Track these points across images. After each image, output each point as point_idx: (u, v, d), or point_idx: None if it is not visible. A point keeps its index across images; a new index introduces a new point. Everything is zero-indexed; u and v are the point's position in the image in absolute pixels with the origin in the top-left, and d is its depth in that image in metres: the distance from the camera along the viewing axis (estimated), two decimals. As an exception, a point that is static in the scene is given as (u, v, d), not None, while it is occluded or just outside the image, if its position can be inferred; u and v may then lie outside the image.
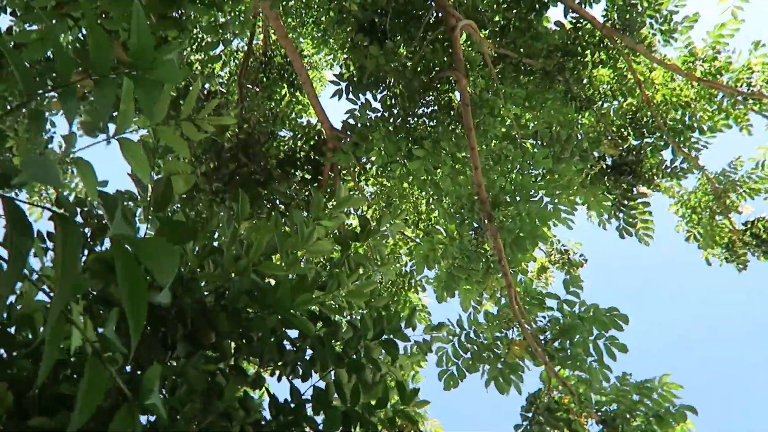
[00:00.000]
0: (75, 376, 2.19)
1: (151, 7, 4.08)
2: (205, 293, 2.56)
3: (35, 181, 1.32)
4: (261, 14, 8.72)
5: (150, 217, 2.50)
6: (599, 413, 6.91)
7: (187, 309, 1.97)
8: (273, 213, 7.05)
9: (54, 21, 3.84)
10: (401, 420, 2.35)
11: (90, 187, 1.76)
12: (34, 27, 5.27)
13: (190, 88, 7.05)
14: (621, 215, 8.93)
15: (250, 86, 9.95)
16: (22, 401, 1.91)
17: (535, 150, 6.40)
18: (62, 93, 1.64)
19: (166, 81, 1.50)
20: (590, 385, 6.92)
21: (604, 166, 8.91)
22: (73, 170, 8.50)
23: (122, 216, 1.38)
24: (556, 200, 6.34)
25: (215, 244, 2.75)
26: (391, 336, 2.86)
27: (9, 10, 6.35)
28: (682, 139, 9.28)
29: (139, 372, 2.18)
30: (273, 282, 2.71)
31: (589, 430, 6.99)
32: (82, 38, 6.14)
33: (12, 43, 6.04)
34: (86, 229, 3.46)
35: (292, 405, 2.73)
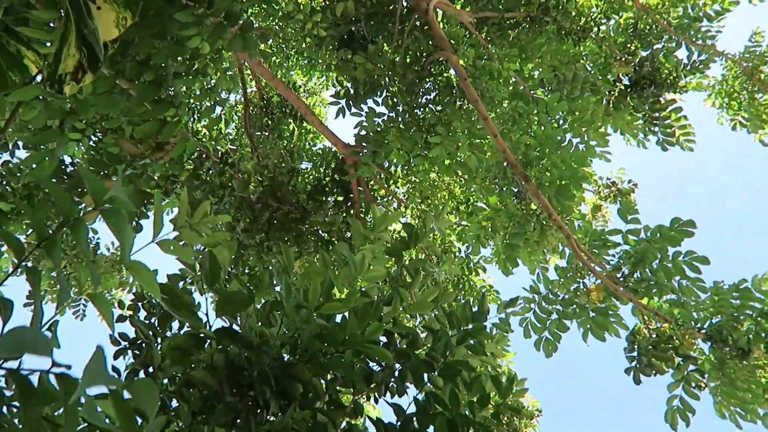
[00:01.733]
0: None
1: (143, 96, 4.21)
2: (279, 343, 2.61)
3: (8, 356, 1.32)
4: (246, 64, 8.87)
5: (206, 288, 2.59)
6: (702, 330, 6.66)
7: (268, 369, 2.02)
8: (320, 245, 7.13)
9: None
10: (505, 413, 2.33)
11: (149, 285, 1.86)
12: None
13: (200, 154, 7.22)
14: (657, 129, 8.64)
15: (259, 132, 10.13)
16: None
17: (547, 96, 6.25)
18: (72, 225, 1.78)
19: (123, 209, 1.75)
20: (684, 305, 6.68)
21: (623, 87, 8.65)
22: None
23: (180, 295, 1.45)
24: (586, 137, 6.19)
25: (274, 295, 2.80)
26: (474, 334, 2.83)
27: (21, 143, 6.68)
28: (691, 32, 8.92)
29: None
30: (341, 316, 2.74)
31: (701, 349, 6.74)
32: (93, 144, 6.38)
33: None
34: (153, 319, 3.60)
35: (398, 423, 2.75)
